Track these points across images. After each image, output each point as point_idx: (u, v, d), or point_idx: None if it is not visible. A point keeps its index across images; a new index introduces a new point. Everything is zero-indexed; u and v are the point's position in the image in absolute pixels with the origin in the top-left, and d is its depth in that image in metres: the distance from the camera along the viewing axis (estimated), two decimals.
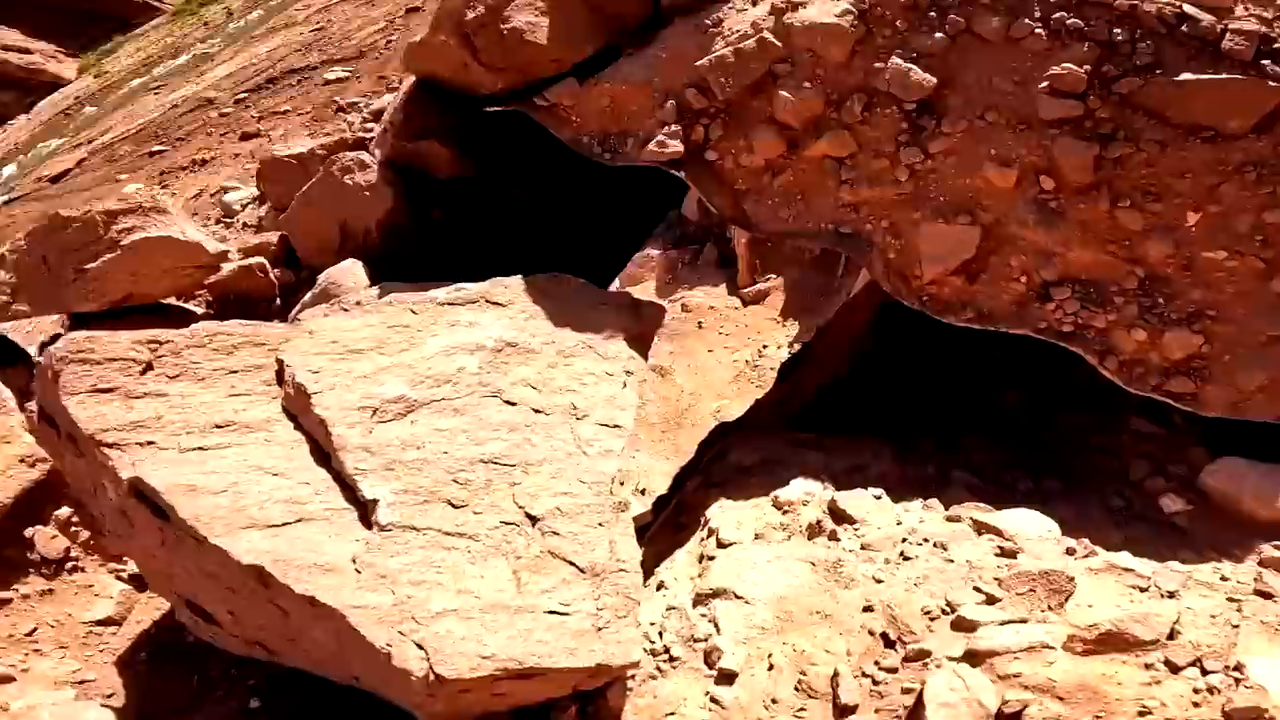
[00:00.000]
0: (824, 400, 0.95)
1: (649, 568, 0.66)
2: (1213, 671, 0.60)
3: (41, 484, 0.88)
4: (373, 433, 0.64)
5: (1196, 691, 0.61)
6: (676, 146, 0.84)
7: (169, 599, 0.80)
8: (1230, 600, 0.67)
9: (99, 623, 0.92)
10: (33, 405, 0.74)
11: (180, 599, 0.76)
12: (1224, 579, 0.71)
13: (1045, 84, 0.83)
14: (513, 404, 0.67)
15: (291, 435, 0.61)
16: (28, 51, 23.84)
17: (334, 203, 0.94)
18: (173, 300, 0.86)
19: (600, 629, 0.56)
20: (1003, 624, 0.56)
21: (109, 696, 0.79)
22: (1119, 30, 0.87)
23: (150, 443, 0.61)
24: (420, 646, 0.53)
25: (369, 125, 1.08)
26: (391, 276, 0.80)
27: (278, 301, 0.94)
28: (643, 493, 1.16)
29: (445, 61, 0.86)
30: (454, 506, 0.59)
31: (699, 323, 1.67)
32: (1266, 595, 0.66)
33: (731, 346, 1.68)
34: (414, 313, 0.73)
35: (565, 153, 0.92)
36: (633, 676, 0.59)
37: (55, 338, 0.71)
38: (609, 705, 0.59)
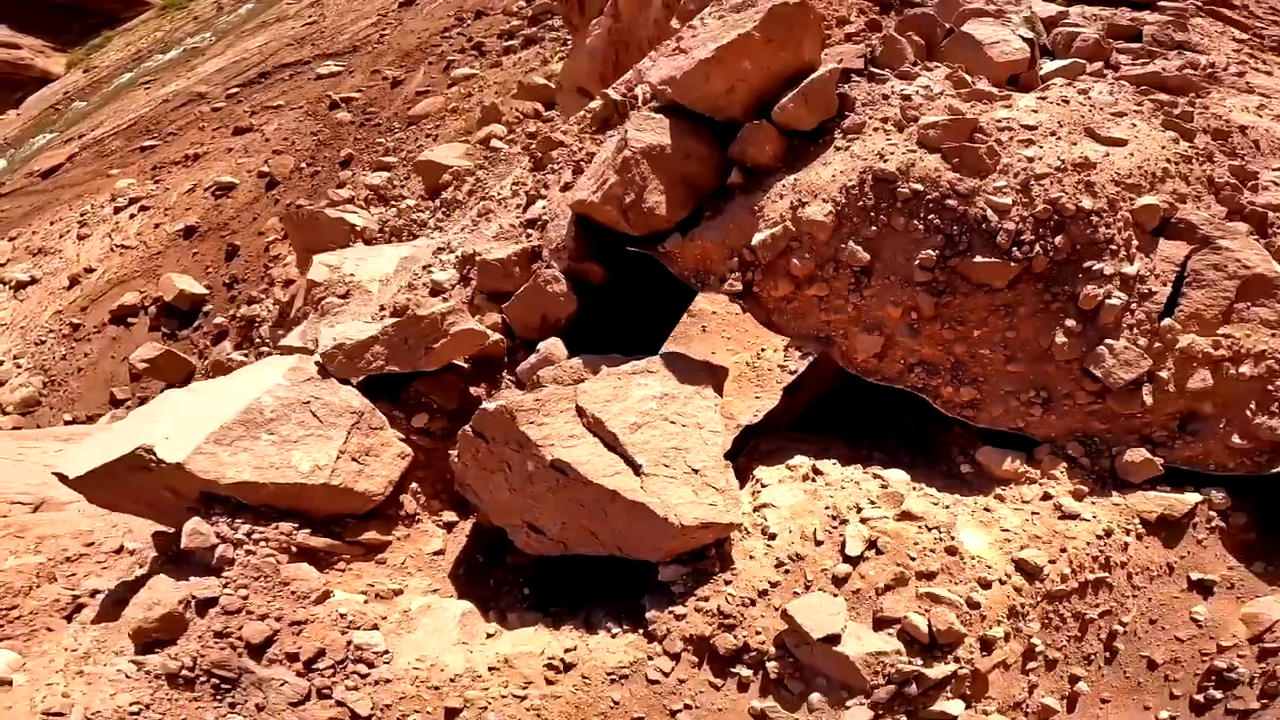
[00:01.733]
0: (808, 414, 1.80)
1: None
2: (941, 533, 1.28)
3: (407, 469, 1.59)
4: (631, 435, 1.34)
5: (938, 541, 1.25)
6: (738, 285, 1.56)
7: (508, 526, 1.45)
8: (971, 509, 1.35)
9: (435, 553, 1.57)
10: (416, 422, 1.56)
11: (523, 524, 1.41)
12: (970, 498, 1.40)
13: (918, 260, 1.45)
14: (673, 423, 1.41)
15: (596, 439, 1.33)
16: (15, 47, 24.12)
17: (538, 301, 1.65)
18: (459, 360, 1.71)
19: (728, 510, 1.28)
20: (877, 513, 1.29)
21: (450, 596, 1.49)
22: (955, 227, 1.45)
23: (552, 444, 1.31)
24: (676, 515, 1.25)
25: (529, 231, 1.58)
26: (574, 349, 1.60)
27: (505, 359, 1.74)
28: None
29: (605, 217, 1.58)
30: (665, 466, 1.32)
31: (703, 326, 2.03)
32: (988, 509, 1.34)
33: (733, 349, 2.17)
34: (619, 380, 1.46)
35: (659, 270, 1.65)
36: (736, 531, 1.32)
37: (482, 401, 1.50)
38: (727, 546, 1.28)
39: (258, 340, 19.49)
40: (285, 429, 1.32)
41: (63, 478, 1.54)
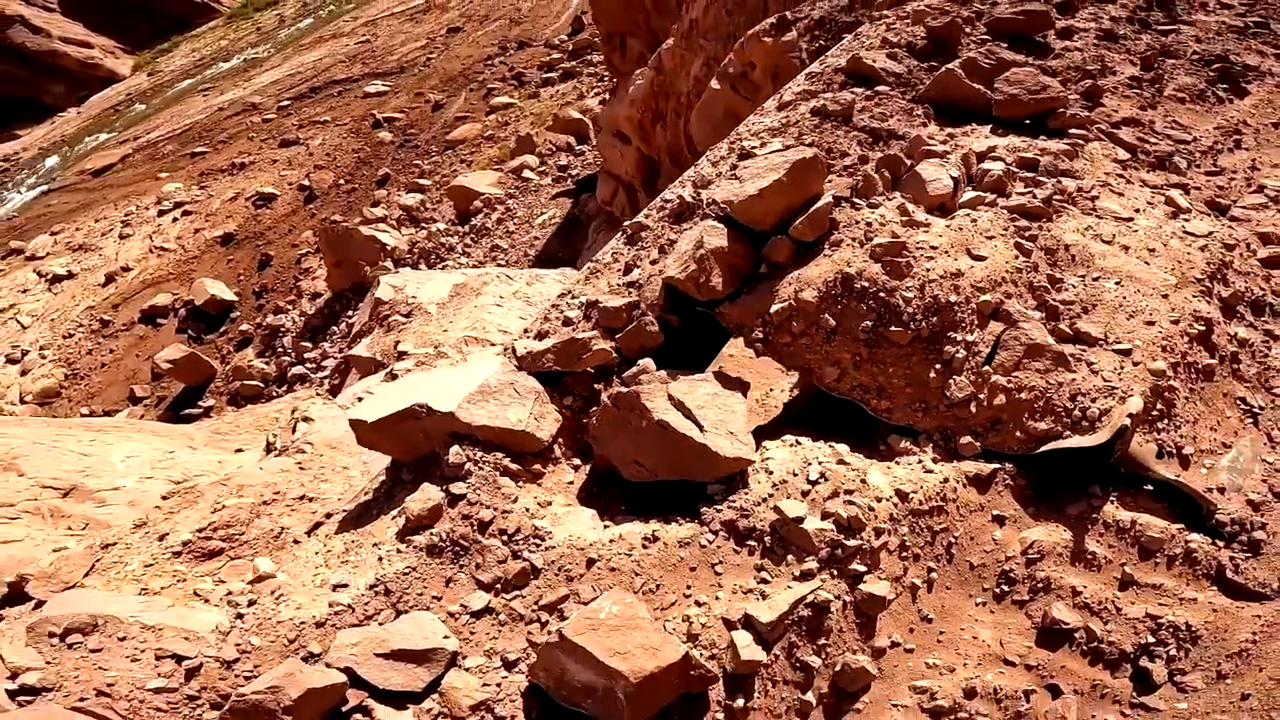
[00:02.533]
0: (794, 416, 2.65)
1: None
2: (859, 474, 2.25)
3: (558, 430, 2.42)
4: (698, 411, 2.25)
5: (857, 477, 2.23)
6: (760, 335, 2.53)
7: (621, 464, 2.32)
8: (878, 465, 2.28)
9: (569, 483, 2.35)
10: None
11: (632, 461, 2.29)
12: (880, 461, 2.32)
13: (860, 326, 2.50)
14: (719, 408, 2.26)
15: (679, 412, 2.25)
16: (87, 45, 25.49)
17: (639, 335, 2.58)
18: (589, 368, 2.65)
19: (749, 454, 2.19)
20: (828, 463, 2.24)
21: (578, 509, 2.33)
22: (882, 308, 2.51)
23: (656, 411, 2.23)
24: (722, 453, 2.17)
25: (629, 290, 2.88)
26: (659, 366, 2.44)
27: (615, 369, 2.58)
28: None
29: (685, 288, 2.61)
30: (716, 429, 2.22)
31: (734, 359, 2.88)
32: (888, 466, 2.30)
33: (752, 379, 2.78)
34: (691, 382, 2.35)
35: (713, 322, 2.67)
36: (751, 467, 2.21)
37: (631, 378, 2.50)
38: (746, 475, 2.19)
39: (280, 350, 20.83)
40: (502, 397, 2.39)
41: (359, 423, 2.58)
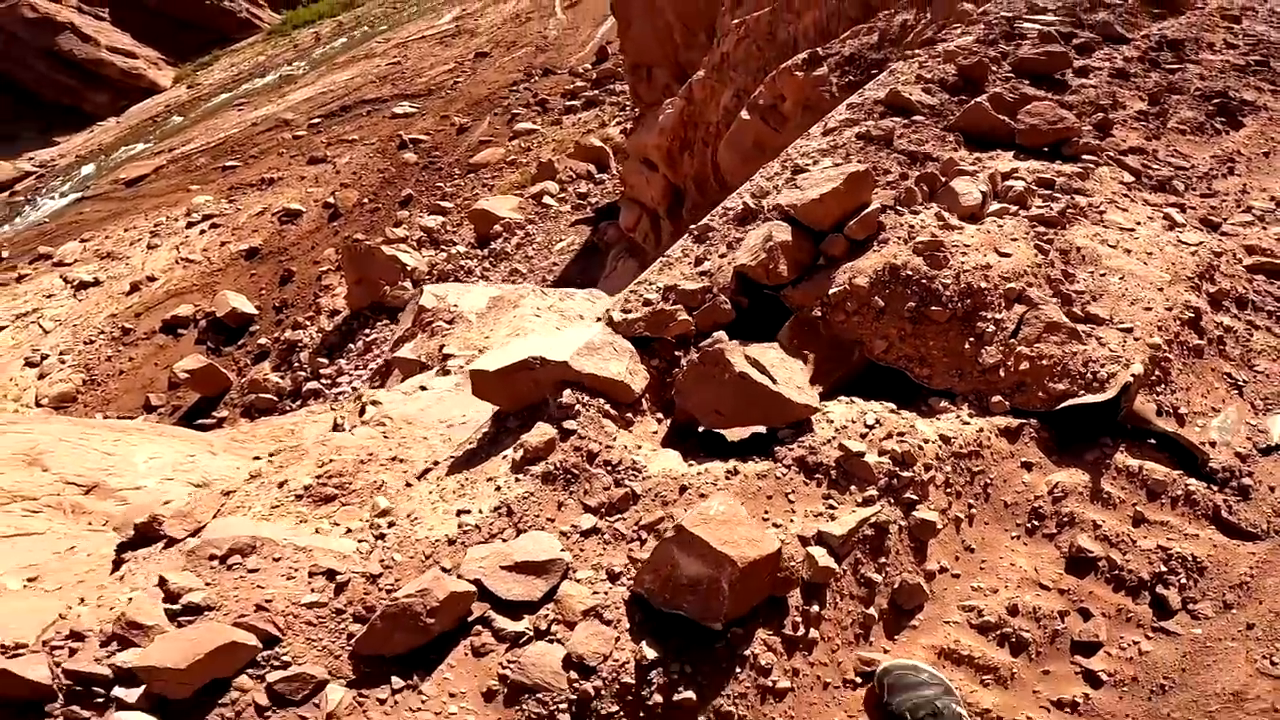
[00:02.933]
0: (845, 387, 3.07)
1: None
2: (908, 422, 2.75)
3: (645, 386, 2.92)
4: (771, 369, 2.67)
5: (907, 424, 2.70)
6: (818, 314, 3.13)
7: (702, 413, 2.73)
8: (924, 420, 2.70)
9: (653, 432, 2.82)
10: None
11: (712, 411, 2.69)
12: (925, 417, 2.81)
13: (905, 307, 3.05)
14: (787, 368, 2.76)
15: (756, 369, 2.70)
16: (132, 55, 26.60)
17: (713, 312, 3.09)
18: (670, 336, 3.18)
19: (815, 405, 2.68)
20: (881, 414, 2.75)
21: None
22: (924, 293, 3.04)
23: (737, 366, 2.68)
24: (793, 401, 2.64)
25: (701, 276, 3.38)
26: (732, 339, 2.90)
27: (692, 338, 3.11)
28: None
29: (755, 274, 3.16)
30: (786, 383, 2.68)
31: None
32: (930, 421, 2.76)
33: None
34: (762, 349, 2.82)
35: (777, 303, 3.17)
36: (816, 415, 2.68)
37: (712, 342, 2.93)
38: (811, 422, 2.69)
39: (296, 365, 21.61)
40: (604, 353, 2.93)
41: (479, 373, 3.10)
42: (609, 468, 2.69)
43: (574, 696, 2.19)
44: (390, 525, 2.71)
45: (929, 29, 6.06)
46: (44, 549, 4.32)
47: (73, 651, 2.42)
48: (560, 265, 17.13)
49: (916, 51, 5.01)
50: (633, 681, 2.17)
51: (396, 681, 2.26)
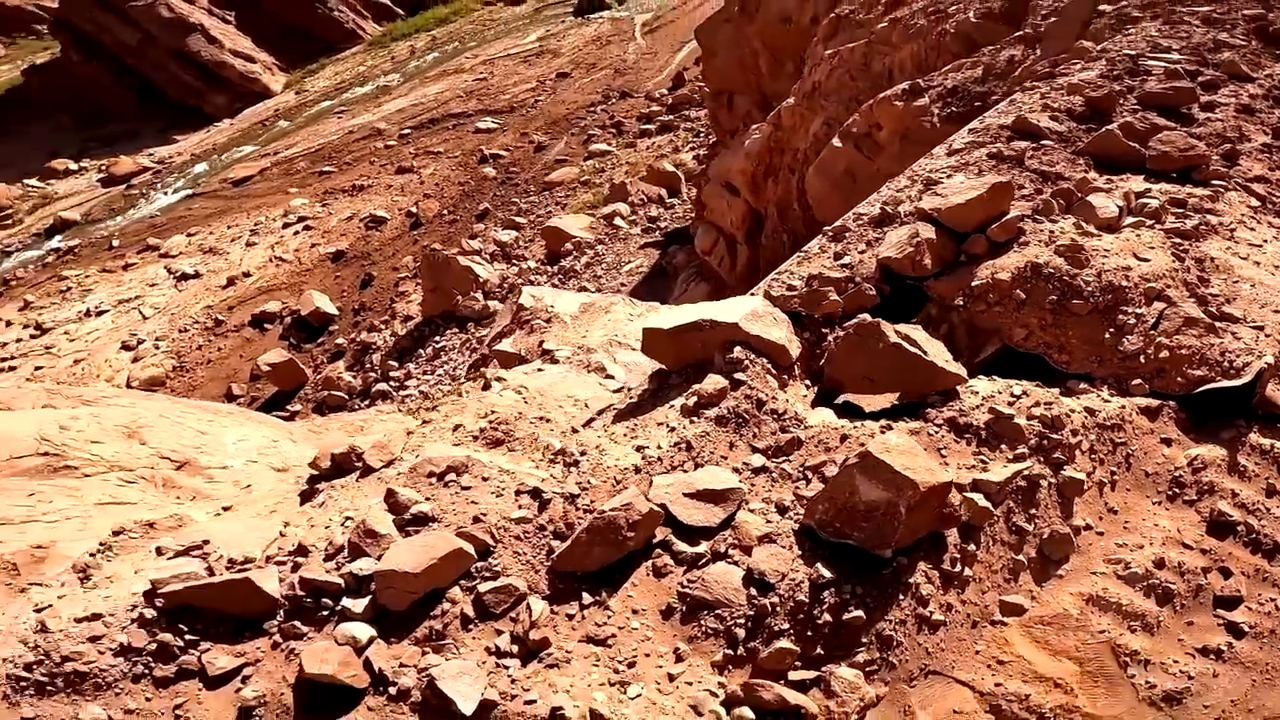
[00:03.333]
0: (984, 370, 3.40)
1: None
2: (1053, 397, 3.06)
3: (798, 354, 3.35)
4: (921, 344, 3.02)
5: (1052, 398, 3.18)
6: (961, 302, 3.52)
7: (850, 379, 3.14)
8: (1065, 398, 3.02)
9: (803, 397, 3.17)
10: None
11: (863, 377, 3.13)
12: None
13: (1046, 300, 3.49)
14: (933, 344, 3.14)
15: (906, 343, 3.07)
16: (251, 60, 28.46)
17: (859, 298, 3.50)
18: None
19: (963, 376, 3.12)
20: (1030, 389, 2.94)
21: None
22: (1065, 288, 3.46)
23: (891, 338, 3.03)
24: (943, 369, 3.22)
25: (843, 268, 3.67)
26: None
27: (838, 317, 3.48)
28: None
29: (899, 266, 3.53)
30: (936, 355, 3.00)
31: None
32: (1073, 399, 3.17)
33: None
34: (908, 328, 3.14)
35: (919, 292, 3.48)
36: (962, 385, 3.15)
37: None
38: (958, 389, 3.03)
39: (368, 366, 22.72)
40: (766, 320, 3.26)
41: (653, 330, 3.57)
42: (775, 416, 3.12)
43: (751, 612, 2.49)
44: (582, 454, 3.18)
45: (1039, 64, 6.48)
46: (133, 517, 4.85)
47: (296, 566, 2.66)
48: (628, 286, 17.67)
49: (1036, 84, 5.44)
50: (806, 600, 2.49)
51: (585, 598, 2.56)
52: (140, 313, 19.47)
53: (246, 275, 20.16)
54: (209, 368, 18.85)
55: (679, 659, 2.42)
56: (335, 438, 6.22)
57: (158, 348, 19.08)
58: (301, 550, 2.77)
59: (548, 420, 3.75)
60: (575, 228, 19.50)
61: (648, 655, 2.42)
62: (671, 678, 2.37)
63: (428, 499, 2.84)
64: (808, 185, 10.43)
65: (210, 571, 2.67)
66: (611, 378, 5.28)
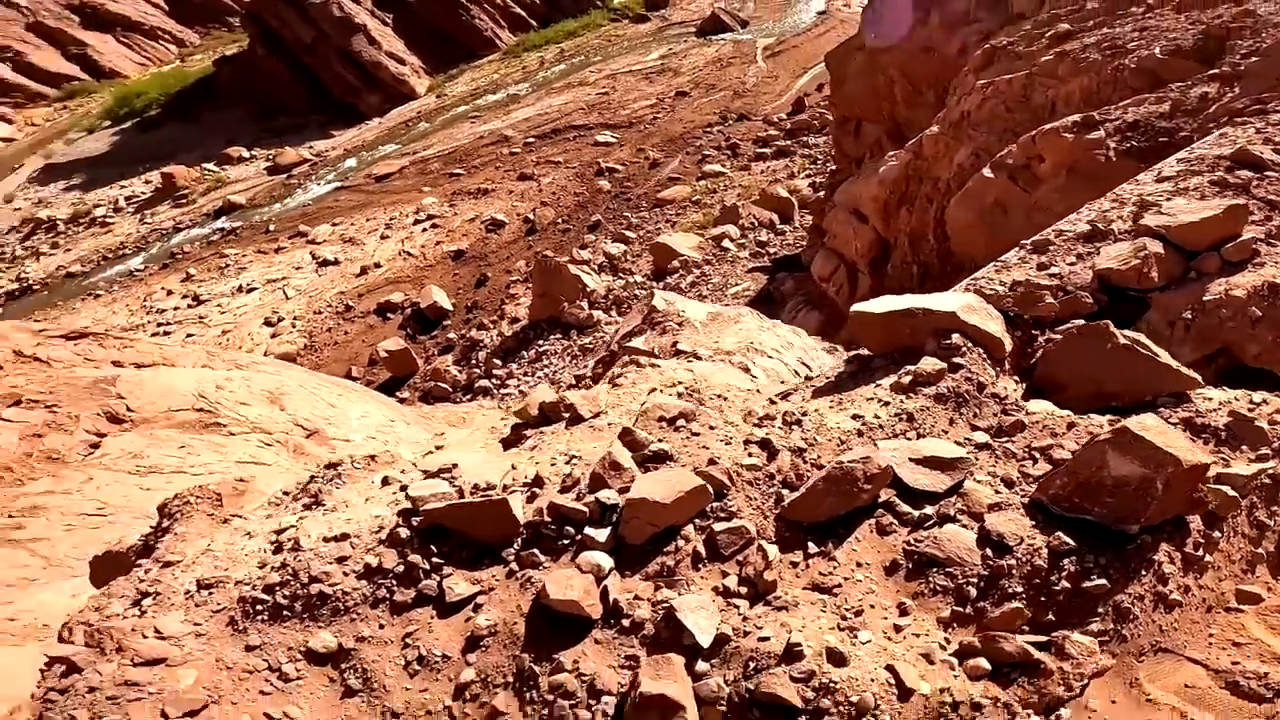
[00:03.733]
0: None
1: None
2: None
3: None
4: (1149, 347, 3.15)
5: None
6: (1189, 316, 3.48)
7: (1068, 378, 3.30)
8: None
9: (1013, 390, 3.40)
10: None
11: (1085, 376, 3.22)
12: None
13: None
14: None
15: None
16: (402, 62, 30.59)
17: (1073, 305, 3.67)
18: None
19: (1197, 376, 2.94)
20: (1271, 396, 2.88)
21: None
22: None
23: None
24: (1176, 367, 3.19)
25: (1050, 277, 3.64)
26: None
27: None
28: None
29: (1122, 278, 3.75)
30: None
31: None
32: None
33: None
34: (1130, 334, 3.19)
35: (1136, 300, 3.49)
36: (1196, 387, 3.06)
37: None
38: (1189, 395, 2.92)
39: (474, 362, 23.97)
40: (981, 314, 3.39)
41: (863, 314, 3.85)
42: (996, 399, 3.31)
43: (985, 572, 2.60)
44: (803, 415, 3.49)
45: (1239, 102, 6.41)
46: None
47: (533, 496, 2.81)
48: None
49: (1247, 119, 5.44)
50: (1045, 565, 2.56)
51: (811, 547, 2.69)
52: (284, 293, 21.37)
53: (377, 266, 21.80)
54: (334, 349, 20.42)
55: (903, 613, 2.54)
56: (350, 450, 6.57)
57: (294, 326, 20.87)
58: (538, 481, 2.94)
59: (724, 398, 3.79)
60: (684, 246, 19.91)
61: (873, 607, 2.53)
62: (899, 629, 2.49)
63: (660, 440, 3.05)
64: (949, 216, 10.43)
65: (460, 494, 2.79)
66: (755, 379, 5.53)
